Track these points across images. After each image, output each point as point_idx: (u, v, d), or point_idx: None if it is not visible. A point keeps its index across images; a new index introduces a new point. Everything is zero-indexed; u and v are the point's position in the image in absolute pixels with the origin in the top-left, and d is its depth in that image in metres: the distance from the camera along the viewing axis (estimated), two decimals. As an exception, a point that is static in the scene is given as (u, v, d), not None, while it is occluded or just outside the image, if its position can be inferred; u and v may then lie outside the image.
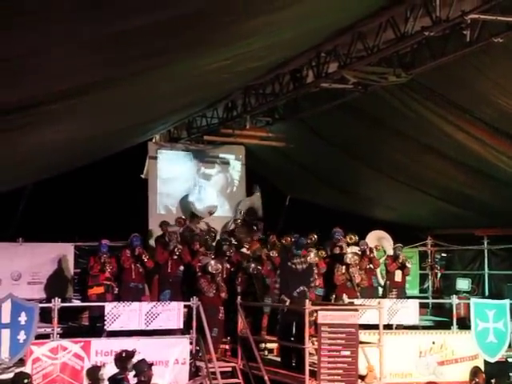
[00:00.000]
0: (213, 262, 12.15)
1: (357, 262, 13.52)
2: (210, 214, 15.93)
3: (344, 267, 13.48)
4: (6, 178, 11.33)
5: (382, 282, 14.80)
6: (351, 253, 13.72)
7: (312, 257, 13.10)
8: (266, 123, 15.60)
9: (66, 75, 6.41)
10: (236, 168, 16.98)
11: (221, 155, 16.84)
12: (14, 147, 8.88)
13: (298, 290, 11.11)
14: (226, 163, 16.92)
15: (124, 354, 10.07)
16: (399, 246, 14.70)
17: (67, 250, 14.46)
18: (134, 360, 9.63)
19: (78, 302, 13.65)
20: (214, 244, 14.31)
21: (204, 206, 15.94)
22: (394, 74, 10.84)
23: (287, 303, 11.09)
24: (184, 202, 16.06)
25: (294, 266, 11.39)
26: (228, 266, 13.08)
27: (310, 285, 11.49)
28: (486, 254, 16.96)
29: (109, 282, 12.53)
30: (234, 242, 14.27)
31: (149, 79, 7.81)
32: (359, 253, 13.93)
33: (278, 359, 11.80)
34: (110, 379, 10.06)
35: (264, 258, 13.41)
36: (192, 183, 16.36)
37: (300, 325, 10.38)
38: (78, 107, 7.93)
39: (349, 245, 14.39)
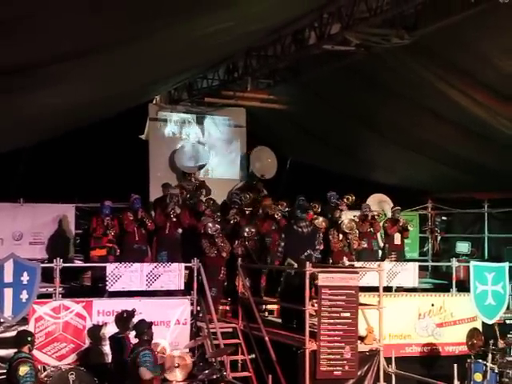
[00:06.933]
0: (211, 224, 12.23)
1: (354, 228, 13.51)
2: (199, 168, 15.85)
3: (341, 234, 13.48)
4: (6, 139, 11.28)
5: (382, 245, 14.83)
6: (348, 219, 13.68)
7: (320, 221, 13.11)
8: (267, 85, 15.50)
9: (64, 38, 6.36)
10: (236, 130, 16.88)
11: (221, 117, 16.73)
12: (14, 109, 8.85)
13: (305, 254, 11.15)
14: (227, 125, 16.82)
15: (125, 314, 10.21)
16: (398, 209, 14.69)
17: (68, 211, 14.49)
18: (135, 320, 9.75)
19: (80, 262, 13.70)
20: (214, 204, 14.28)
21: (196, 163, 15.88)
22: (397, 36, 10.74)
23: (295, 266, 11.05)
24: (173, 160, 15.96)
25: (300, 230, 11.41)
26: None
27: (315, 248, 11.47)
28: (485, 218, 16.99)
29: (111, 245, 12.54)
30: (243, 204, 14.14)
31: (148, 42, 7.74)
32: (355, 219, 13.92)
33: (279, 320, 11.90)
34: (110, 338, 10.22)
35: (274, 216, 13.30)
36: (190, 144, 16.26)
37: (303, 287, 10.35)
38: (76, 70, 7.88)
39: (348, 207, 14.33)
